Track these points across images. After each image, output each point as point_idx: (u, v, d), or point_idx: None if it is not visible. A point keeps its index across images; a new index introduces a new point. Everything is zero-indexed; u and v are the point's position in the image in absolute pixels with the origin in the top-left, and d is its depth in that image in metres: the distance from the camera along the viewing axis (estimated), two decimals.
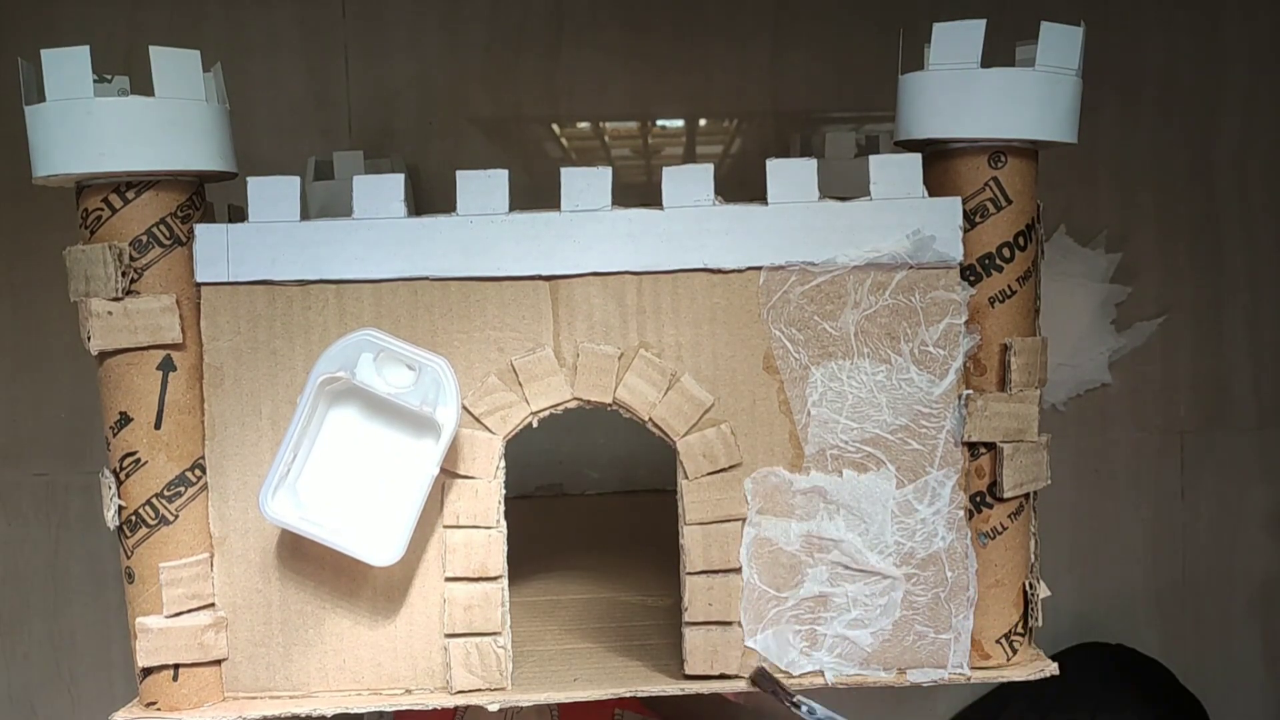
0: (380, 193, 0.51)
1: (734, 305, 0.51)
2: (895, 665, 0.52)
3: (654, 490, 0.87)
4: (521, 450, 0.55)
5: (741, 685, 0.52)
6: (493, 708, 0.51)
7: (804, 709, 0.48)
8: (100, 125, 0.47)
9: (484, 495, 0.51)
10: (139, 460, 0.50)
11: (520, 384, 0.51)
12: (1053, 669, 0.52)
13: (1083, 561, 0.88)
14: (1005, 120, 0.49)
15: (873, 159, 0.51)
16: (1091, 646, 0.87)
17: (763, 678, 0.50)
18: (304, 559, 0.51)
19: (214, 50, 0.51)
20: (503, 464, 0.51)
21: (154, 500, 0.50)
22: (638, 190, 0.50)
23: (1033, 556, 0.53)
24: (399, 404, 0.49)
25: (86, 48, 0.47)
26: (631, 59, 0.84)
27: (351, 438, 0.50)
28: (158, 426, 0.50)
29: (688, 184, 0.51)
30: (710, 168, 0.51)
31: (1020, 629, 0.53)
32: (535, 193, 0.53)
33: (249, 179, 0.51)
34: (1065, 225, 0.86)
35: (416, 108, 0.84)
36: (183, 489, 0.51)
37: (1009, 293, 0.51)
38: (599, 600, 0.64)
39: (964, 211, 0.50)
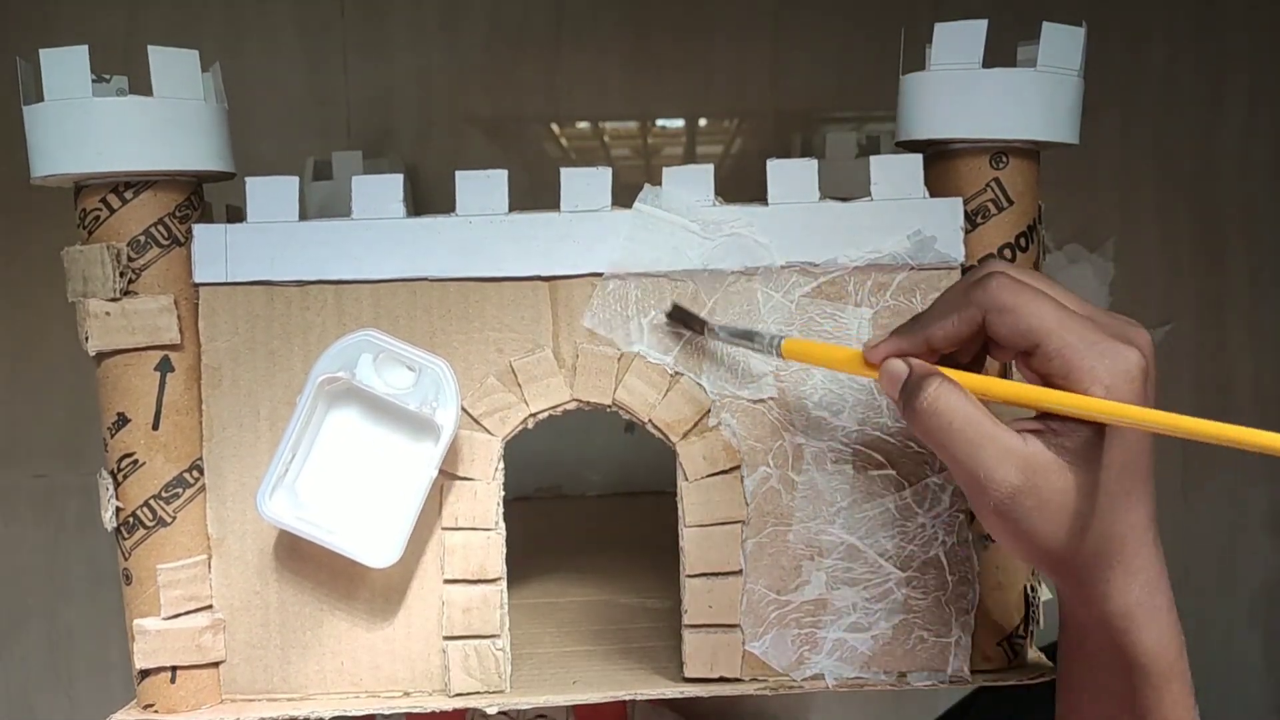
0: (379, 193, 0.50)
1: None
2: (896, 669, 0.52)
3: (653, 492, 0.87)
4: (521, 452, 0.54)
5: (743, 689, 0.51)
6: (491, 710, 0.51)
7: (718, 332, 0.49)
8: (98, 125, 0.47)
9: (483, 497, 0.51)
10: (137, 461, 0.50)
11: (519, 385, 0.51)
12: (1054, 672, 0.52)
13: None
14: (1007, 120, 0.49)
15: (873, 159, 0.51)
16: None
17: (676, 312, 0.50)
18: (302, 561, 0.51)
19: (213, 50, 0.51)
20: (502, 465, 0.51)
21: (151, 501, 0.50)
22: (637, 190, 0.49)
23: None
24: (398, 405, 0.49)
25: (85, 47, 0.47)
26: (631, 59, 0.84)
27: (350, 439, 0.50)
28: (155, 427, 0.50)
29: (688, 184, 0.50)
30: (710, 168, 0.51)
31: (1021, 632, 0.53)
32: (535, 193, 0.53)
33: (247, 179, 0.51)
34: (1070, 229, 0.86)
35: (416, 108, 0.84)
36: (180, 490, 0.50)
37: None
38: (598, 602, 0.63)
39: (965, 212, 0.50)
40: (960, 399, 0.41)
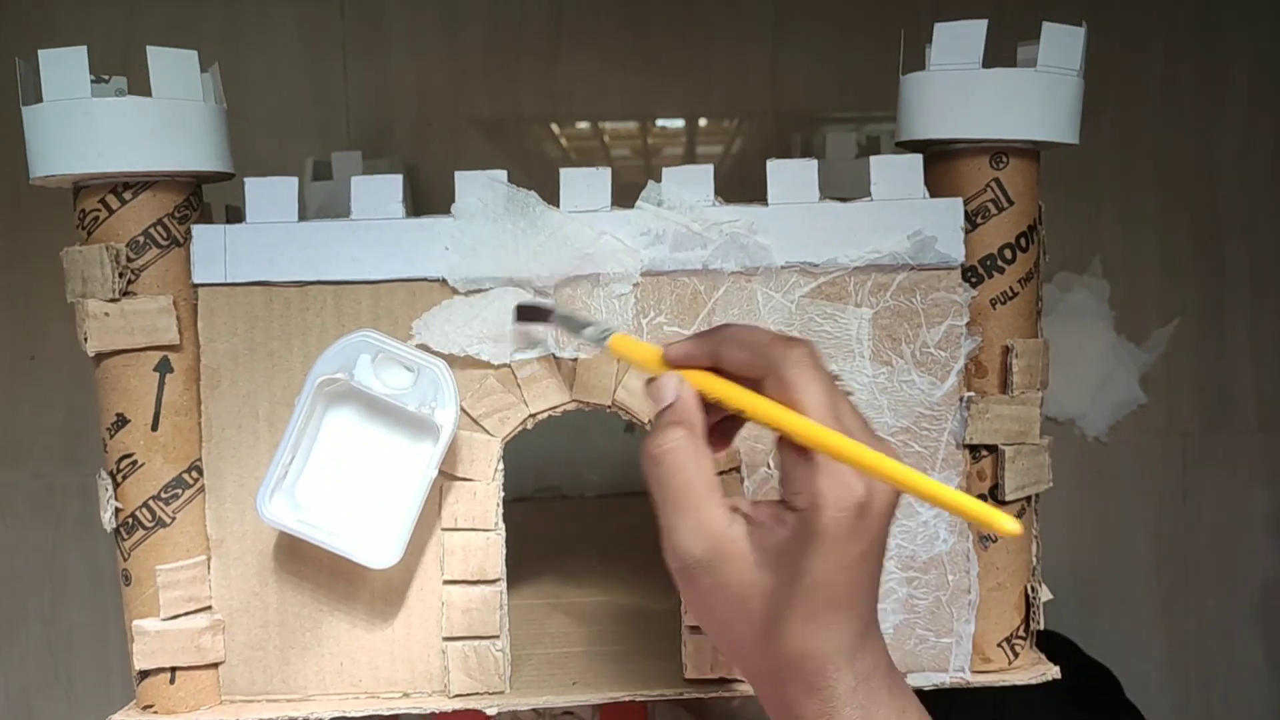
0: (378, 193, 0.50)
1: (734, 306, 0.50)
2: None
3: None
4: (520, 452, 0.54)
5: (743, 690, 0.51)
6: (490, 711, 0.51)
7: (559, 320, 0.48)
8: (97, 126, 0.47)
9: (482, 498, 0.51)
10: (136, 462, 0.50)
11: (519, 385, 0.51)
12: (1054, 673, 0.52)
13: (1085, 564, 0.88)
14: (1007, 121, 0.49)
15: (874, 159, 0.51)
16: None
17: (523, 312, 0.49)
18: (301, 562, 0.51)
19: (212, 50, 0.51)
20: (501, 466, 0.51)
21: (151, 502, 0.50)
22: (637, 190, 0.49)
23: (1034, 559, 0.53)
24: (397, 406, 0.49)
25: (84, 48, 0.47)
26: (631, 59, 0.84)
27: (350, 440, 0.50)
28: (155, 428, 0.50)
29: (688, 184, 0.50)
30: (710, 168, 0.50)
31: (1022, 632, 0.52)
32: (535, 193, 0.53)
33: (246, 179, 0.51)
34: (1057, 258, 0.86)
35: (415, 108, 0.84)
36: (180, 491, 0.50)
37: (1010, 294, 0.51)
38: (598, 603, 0.63)
39: (965, 212, 0.50)
40: (687, 460, 0.40)
